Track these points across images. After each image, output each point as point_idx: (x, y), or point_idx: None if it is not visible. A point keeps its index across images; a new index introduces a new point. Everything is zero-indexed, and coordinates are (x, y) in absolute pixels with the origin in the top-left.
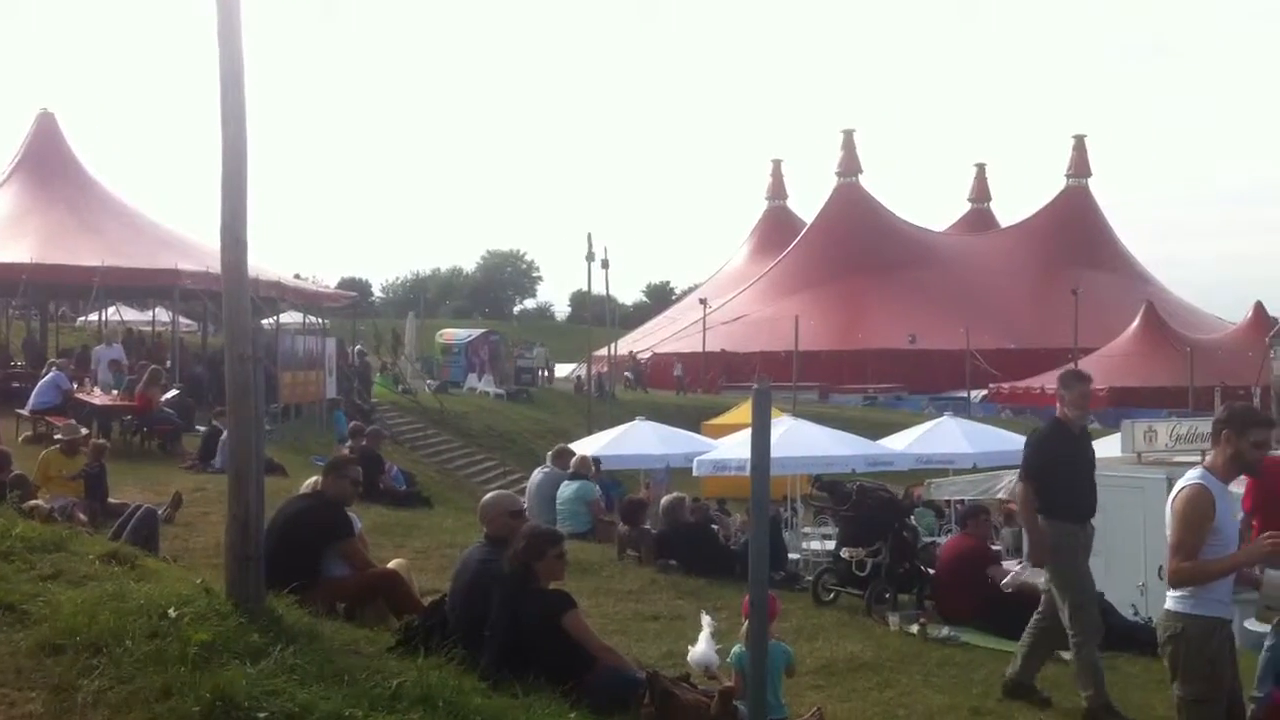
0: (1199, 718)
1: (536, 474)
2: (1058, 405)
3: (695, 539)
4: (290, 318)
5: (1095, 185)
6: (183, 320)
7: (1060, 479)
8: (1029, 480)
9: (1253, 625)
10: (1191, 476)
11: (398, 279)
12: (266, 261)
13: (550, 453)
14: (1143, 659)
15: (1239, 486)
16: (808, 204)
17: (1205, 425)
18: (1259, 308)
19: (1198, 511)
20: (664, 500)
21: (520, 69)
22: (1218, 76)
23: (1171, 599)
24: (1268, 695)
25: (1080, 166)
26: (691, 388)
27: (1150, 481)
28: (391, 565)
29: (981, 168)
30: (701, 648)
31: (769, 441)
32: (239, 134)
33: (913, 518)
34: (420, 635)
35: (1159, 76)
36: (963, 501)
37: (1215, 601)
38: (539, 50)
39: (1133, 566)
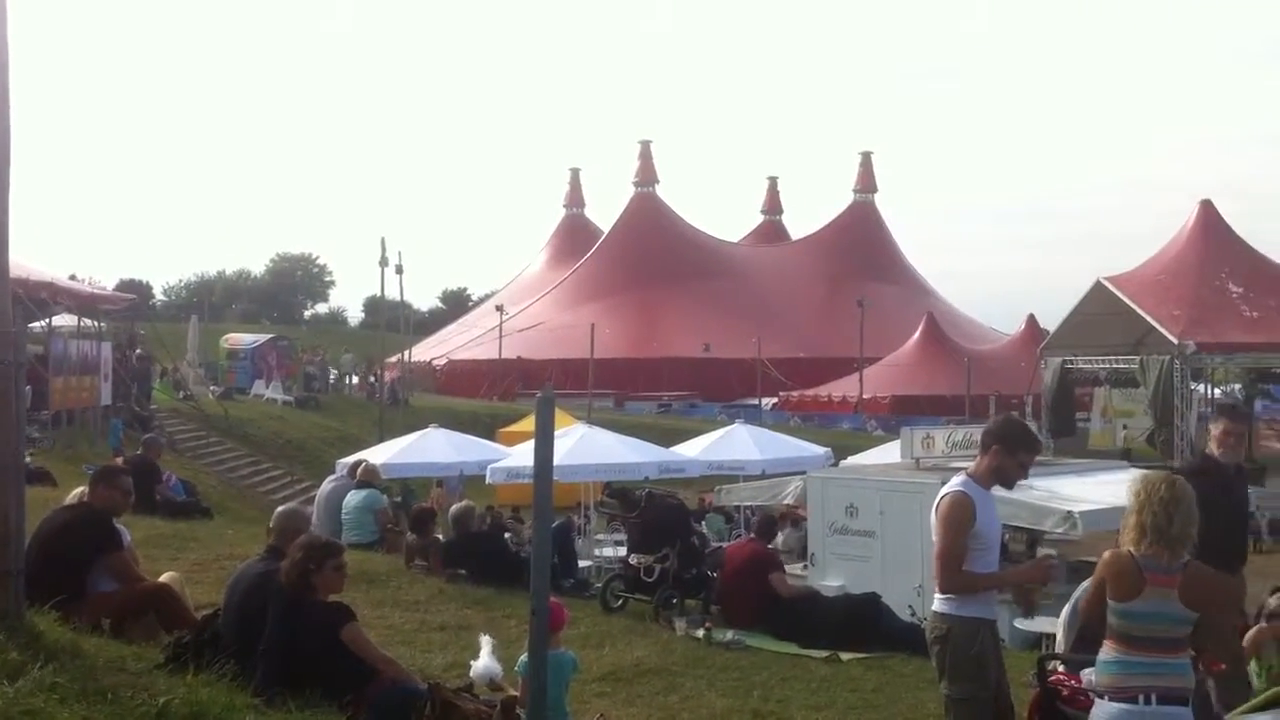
0: (966, 716)
1: (327, 484)
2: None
3: (485, 548)
4: (64, 321)
5: (881, 200)
6: None
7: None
8: None
9: (1021, 624)
10: (954, 484)
11: (181, 281)
12: (38, 261)
13: (342, 462)
14: (916, 659)
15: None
16: (605, 212)
17: (979, 432)
18: (1031, 320)
19: (959, 518)
20: (453, 509)
21: (313, 66)
22: (994, 99)
23: (938, 601)
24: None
25: (867, 182)
26: (487, 395)
27: (927, 486)
28: (164, 579)
29: (774, 181)
30: (483, 661)
31: (552, 449)
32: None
33: (703, 523)
34: (191, 651)
35: (939, 98)
36: (752, 507)
37: (980, 603)
38: (333, 48)
39: (910, 569)
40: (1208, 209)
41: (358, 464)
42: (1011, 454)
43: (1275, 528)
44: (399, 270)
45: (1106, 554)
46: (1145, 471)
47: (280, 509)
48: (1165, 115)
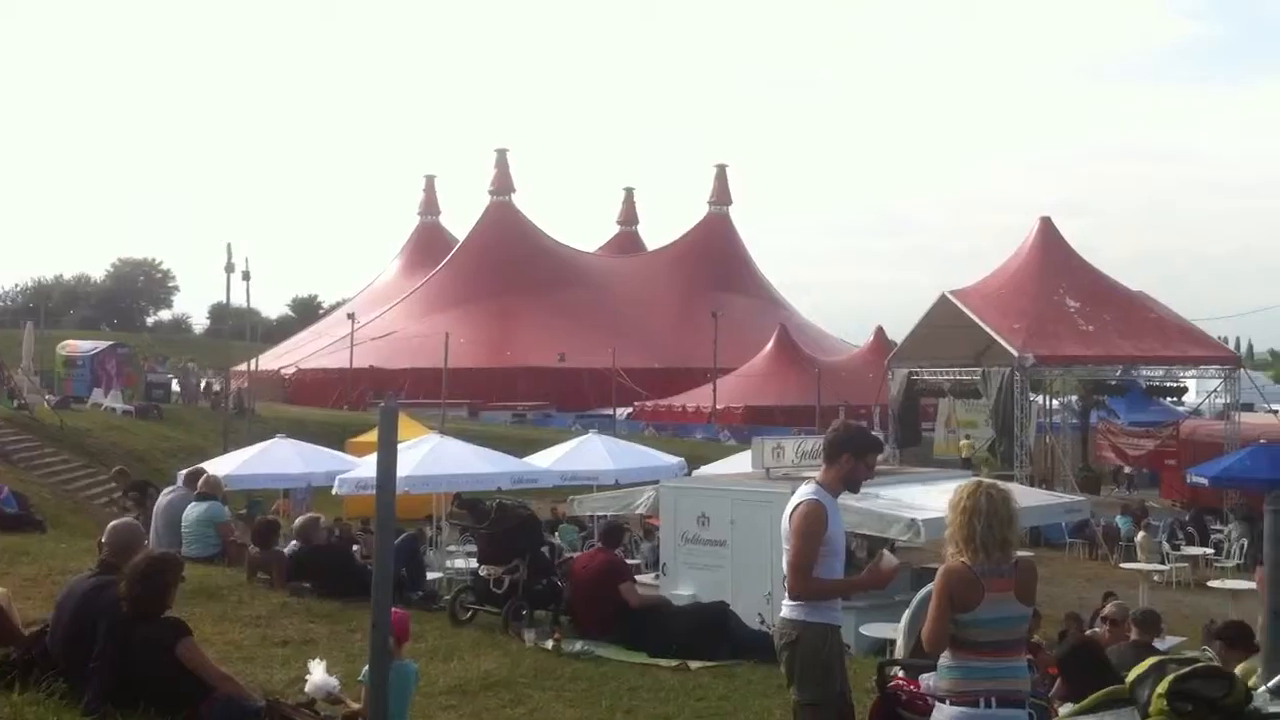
0: None
1: (164, 495)
2: None
3: (330, 560)
4: None
5: (735, 213)
6: None
7: None
8: None
9: (868, 630)
10: (806, 492)
11: (16, 286)
12: None
13: (183, 473)
14: (763, 667)
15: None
16: (461, 221)
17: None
18: (880, 332)
19: (814, 526)
20: (297, 521)
21: (157, 64)
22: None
23: (787, 608)
24: None
25: (721, 194)
26: (337, 404)
27: (777, 496)
28: None
29: (630, 192)
30: (318, 676)
31: (395, 460)
32: None
33: (557, 534)
34: (18, 669)
35: (793, 114)
36: (605, 517)
37: (827, 609)
38: (181, 47)
39: (760, 577)
40: (1047, 226)
41: (195, 474)
42: (861, 458)
43: (1109, 535)
44: (246, 276)
45: (941, 569)
46: (960, 482)
47: (113, 523)
48: (1007, 134)
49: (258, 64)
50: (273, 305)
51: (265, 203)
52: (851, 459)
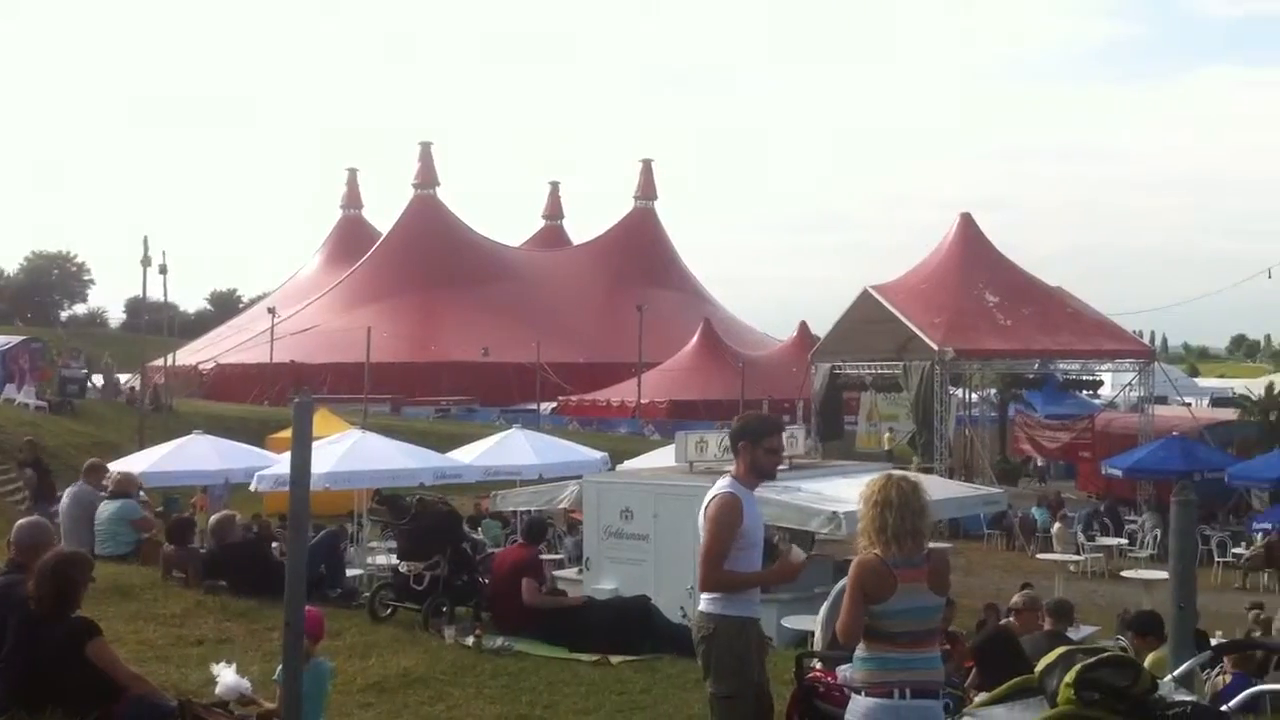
0: (729, 713)
1: (67, 492)
2: None
3: (246, 558)
4: None
5: (661, 207)
6: None
7: None
8: None
9: (790, 623)
10: (721, 485)
11: None
12: None
13: (84, 468)
14: (683, 660)
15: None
16: (384, 214)
17: None
18: (803, 327)
19: (729, 518)
20: (212, 518)
21: (70, 52)
22: (769, 113)
23: (704, 601)
24: None
25: (647, 189)
26: (257, 400)
27: (700, 490)
28: None
29: (555, 186)
30: (229, 678)
31: (309, 456)
32: None
33: (480, 529)
34: None
35: (718, 110)
36: (529, 512)
37: (744, 602)
38: (94, 33)
39: (683, 571)
40: (967, 222)
41: (95, 468)
42: (757, 443)
43: (1026, 526)
44: (163, 270)
45: (854, 562)
46: (871, 476)
47: (21, 521)
48: (934, 132)
49: (175, 53)
50: (191, 299)
51: (183, 195)
52: (749, 446)
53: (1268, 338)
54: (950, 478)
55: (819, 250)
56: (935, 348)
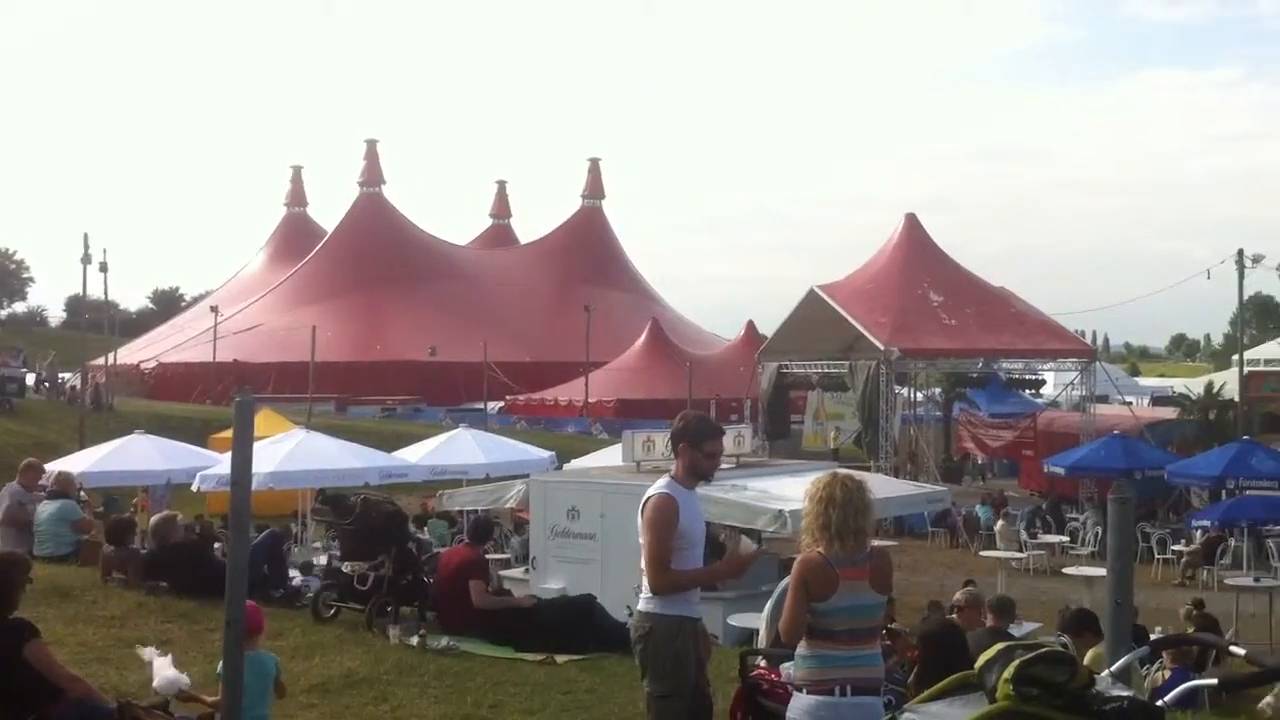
0: (666, 713)
1: (5, 493)
2: None
3: (188, 558)
4: None
5: (608, 207)
6: None
7: None
8: None
9: (735, 620)
10: (658, 486)
11: None
12: None
13: (20, 467)
14: (629, 659)
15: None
16: (329, 212)
17: None
18: (751, 326)
19: (666, 519)
20: (153, 519)
21: (8, 47)
22: (717, 112)
23: (643, 601)
24: None
25: (595, 188)
26: (200, 399)
27: (647, 489)
28: None
29: (503, 185)
30: (165, 673)
31: (250, 455)
32: None
33: (426, 529)
34: None
35: (666, 109)
36: (475, 511)
37: (682, 602)
38: (32, 28)
39: (630, 570)
40: (912, 222)
41: (31, 467)
42: (697, 446)
43: (970, 524)
44: (103, 268)
45: (798, 560)
46: (816, 474)
47: None
48: (879, 133)
49: (117, 48)
50: (132, 297)
51: (124, 191)
52: (689, 448)
53: (1207, 337)
54: (895, 476)
55: (766, 250)
56: (881, 347)
